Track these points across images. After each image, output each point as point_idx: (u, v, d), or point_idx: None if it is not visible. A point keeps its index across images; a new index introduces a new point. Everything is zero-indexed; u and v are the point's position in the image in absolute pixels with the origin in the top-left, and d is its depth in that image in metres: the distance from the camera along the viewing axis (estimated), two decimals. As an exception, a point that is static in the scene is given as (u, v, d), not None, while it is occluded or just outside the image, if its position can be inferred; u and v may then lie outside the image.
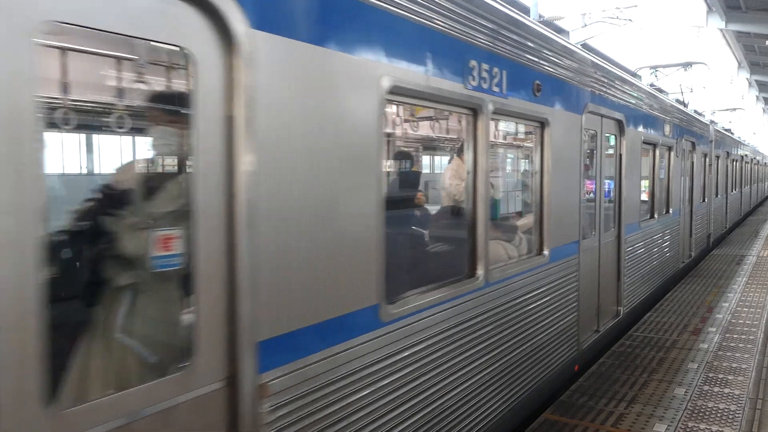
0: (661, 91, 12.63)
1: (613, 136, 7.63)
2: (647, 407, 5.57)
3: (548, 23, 14.26)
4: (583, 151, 6.25)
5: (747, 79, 31.42)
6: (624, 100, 7.73)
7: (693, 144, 12.80)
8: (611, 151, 7.73)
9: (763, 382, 6.19)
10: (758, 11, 19.09)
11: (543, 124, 5.33)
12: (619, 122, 7.60)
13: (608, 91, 7.06)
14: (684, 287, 11.15)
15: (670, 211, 10.75)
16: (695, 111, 16.75)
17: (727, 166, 19.12)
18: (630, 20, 15.40)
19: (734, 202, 21.69)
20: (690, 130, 12.53)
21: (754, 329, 8.10)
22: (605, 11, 15.77)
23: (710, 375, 6.39)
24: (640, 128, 8.59)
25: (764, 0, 17.69)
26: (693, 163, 12.89)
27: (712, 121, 17.22)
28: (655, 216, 9.81)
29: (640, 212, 8.89)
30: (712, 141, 15.47)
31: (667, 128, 10.27)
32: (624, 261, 7.87)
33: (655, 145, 9.69)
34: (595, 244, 6.95)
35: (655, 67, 17.44)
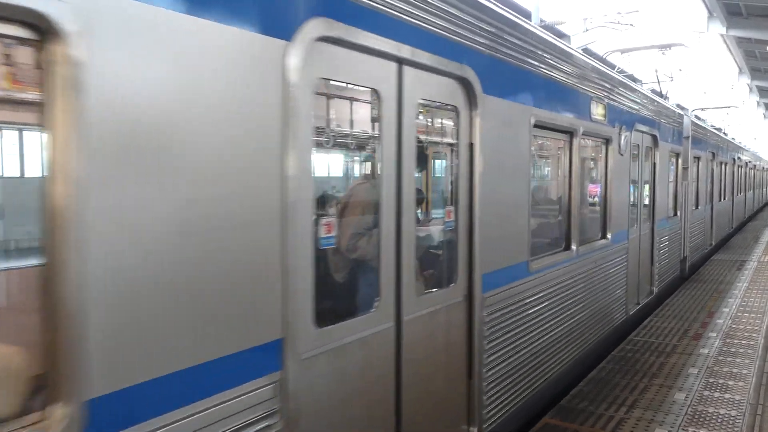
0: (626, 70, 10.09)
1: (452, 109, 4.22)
2: (647, 412, 5.57)
3: (549, 27, 14.29)
4: (305, 132, 2.84)
5: (748, 84, 31.47)
6: (474, 41, 4.24)
7: (655, 138, 9.58)
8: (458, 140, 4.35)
9: (763, 388, 6.19)
10: (759, 17, 19.16)
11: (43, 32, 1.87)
12: (465, 82, 4.16)
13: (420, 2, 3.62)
14: (685, 292, 11.15)
15: (608, 236, 7.39)
16: (645, 86, 13.11)
17: (713, 169, 16.06)
18: (631, 25, 15.39)
19: (723, 214, 18.50)
20: (647, 118, 9.11)
21: (754, 334, 8.10)
22: (606, 16, 15.79)
23: (711, 380, 6.38)
24: (527, 100, 5.15)
25: (765, 6, 17.73)
26: (655, 164, 9.72)
27: (685, 109, 14.36)
28: (573, 247, 6.29)
29: (535, 243, 5.46)
30: (688, 137, 12.29)
31: (597, 109, 6.80)
32: (483, 341, 4.46)
33: (571, 134, 6.28)
34: (386, 324, 3.54)
35: (627, 51, 14.89)
